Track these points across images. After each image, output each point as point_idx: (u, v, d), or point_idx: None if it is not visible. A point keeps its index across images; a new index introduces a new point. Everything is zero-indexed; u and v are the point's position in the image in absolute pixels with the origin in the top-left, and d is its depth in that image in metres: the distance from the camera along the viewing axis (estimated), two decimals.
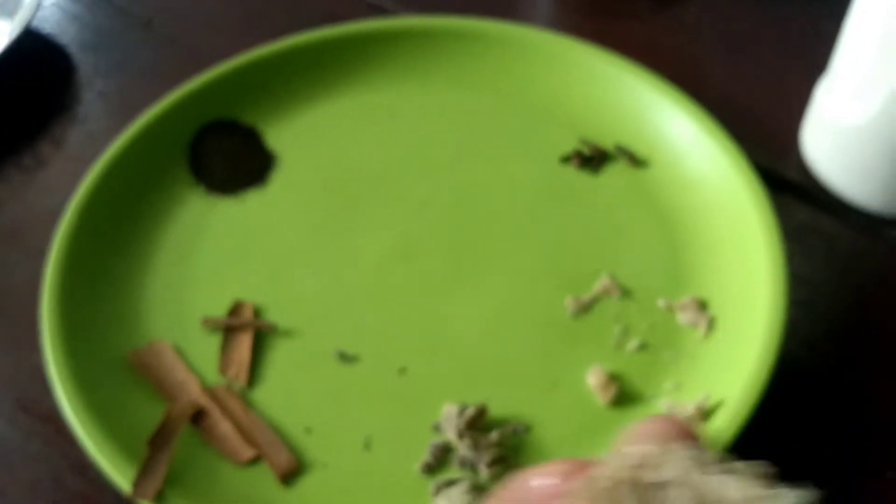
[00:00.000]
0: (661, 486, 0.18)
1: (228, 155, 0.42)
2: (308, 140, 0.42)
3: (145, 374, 0.33)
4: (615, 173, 0.39)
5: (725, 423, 0.29)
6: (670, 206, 0.37)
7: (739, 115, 0.40)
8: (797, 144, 0.41)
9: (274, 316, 0.35)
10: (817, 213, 0.39)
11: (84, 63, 0.50)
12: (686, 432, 0.21)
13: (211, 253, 0.38)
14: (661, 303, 0.34)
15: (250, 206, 0.39)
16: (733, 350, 0.31)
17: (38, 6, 0.49)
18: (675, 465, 0.18)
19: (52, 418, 0.33)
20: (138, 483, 0.29)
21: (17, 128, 0.46)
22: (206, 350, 0.34)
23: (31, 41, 0.50)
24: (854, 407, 0.32)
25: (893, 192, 0.37)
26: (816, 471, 0.30)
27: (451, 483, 0.29)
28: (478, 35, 0.43)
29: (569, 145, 0.40)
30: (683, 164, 0.38)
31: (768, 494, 0.18)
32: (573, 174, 0.39)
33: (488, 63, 0.43)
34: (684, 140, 0.38)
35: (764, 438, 0.30)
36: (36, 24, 0.51)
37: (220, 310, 0.35)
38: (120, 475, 0.29)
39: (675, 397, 0.31)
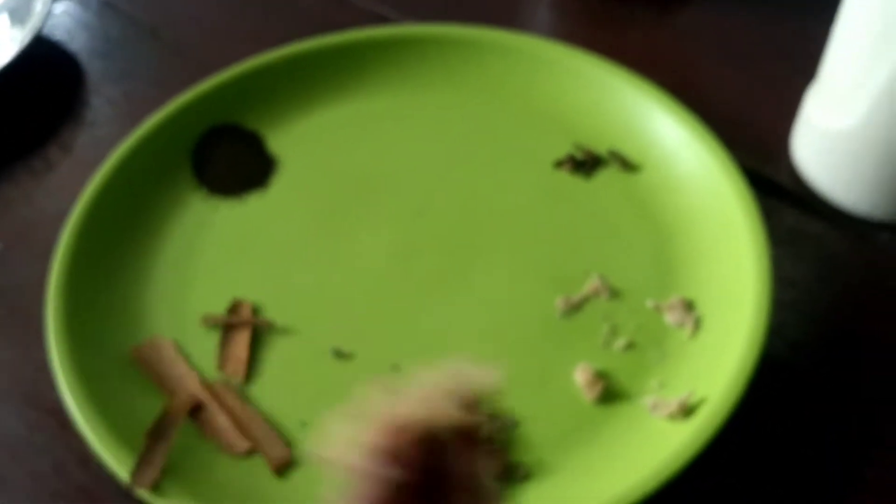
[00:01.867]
0: None
1: (231, 159, 0.43)
2: (309, 145, 0.43)
3: (146, 368, 0.34)
4: (607, 177, 0.40)
5: (707, 420, 0.29)
6: (661, 209, 0.38)
7: (732, 121, 0.40)
8: (788, 149, 0.42)
9: (272, 314, 0.36)
10: (806, 217, 0.39)
11: (92, 69, 0.51)
12: None
13: (212, 253, 0.38)
14: (649, 303, 0.35)
15: (251, 209, 0.40)
16: (718, 350, 0.32)
17: (49, 14, 0.50)
18: None
19: (57, 412, 0.34)
20: (136, 473, 0.30)
21: (27, 131, 0.47)
22: (205, 346, 0.35)
23: (41, 48, 0.51)
24: (837, 406, 0.33)
25: (880, 195, 0.38)
26: (799, 469, 0.31)
27: None
28: (475, 42, 0.44)
29: (562, 150, 0.41)
30: (674, 168, 0.39)
31: None
32: (566, 178, 0.40)
33: (485, 70, 0.44)
34: (675, 145, 0.39)
35: (749, 436, 0.31)
36: (46, 31, 0.53)
37: (219, 308, 0.36)
38: (119, 466, 0.30)
39: (659, 395, 0.32)
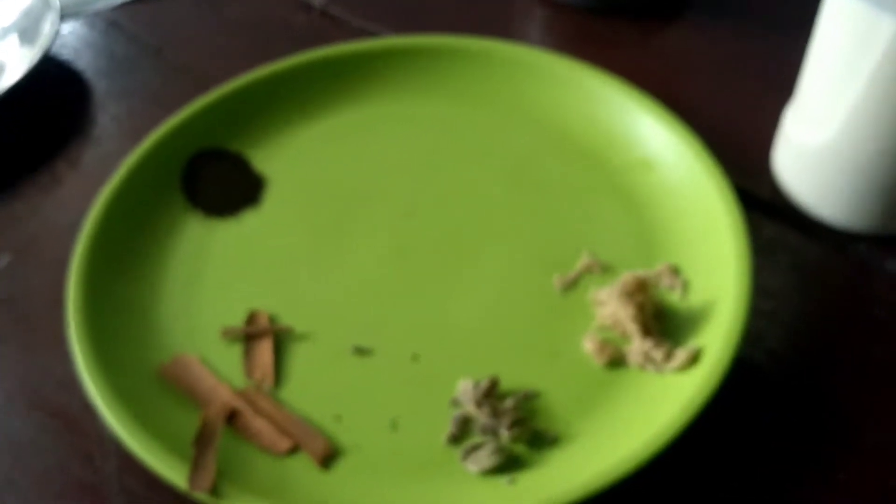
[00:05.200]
0: None
1: (219, 181, 0.44)
2: (296, 159, 0.45)
3: (177, 384, 0.35)
4: (594, 175, 0.42)
5: (713, 367, 0.32)
6: (643, 195, 0.41)
7: (717, 137, 0.42)
8: (769, 164, 0.44)
9: (288, 321, 0.37)
10: (785, 229, 0.41)
11: (98, 87, 0.52)
12: None
13: (218, 271, 0.40)
14: (639, 272, 0.37)
15: (249, 225, 0.42)
16: (710, 306, 0.35)
17: (57, 34, 0.52)
18: None
19: (61, 414, 0.35)
20: (193, 479, 0.30)
21: (36, 147, 0.48)
22: (228, 359, 0.36)
23: (50, 67, 0.53)
24: (812, 414, 0.34)
25: (855, 207, 0.39)
26: (772, 474, 0.32)
27: (476, 447, 0.31)
28: (453, 51, 0.47)
29: (547, 148, 0.44)
30: (663, 169, 0.41)
31: None
32: (553, 170, 0.43)
33: (463, 76, 0.47)
34: (662, 148, 0.41)
35: (724, 440, 0.33)
36: (54, 50, 0.54)
37: (235, 321, 0.37)
38: (174, 474, 0.31)
39: (664, 350, 0.34)
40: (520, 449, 0.32)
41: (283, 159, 0.45)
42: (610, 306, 0.35)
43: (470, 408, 0.33)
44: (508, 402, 0.32)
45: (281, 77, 0.46)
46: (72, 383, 0.35)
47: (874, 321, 0.37)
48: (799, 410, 0.34)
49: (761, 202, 0.42)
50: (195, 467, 0.31)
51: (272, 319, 0.37)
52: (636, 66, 0.49)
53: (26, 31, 0.52)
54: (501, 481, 0.31)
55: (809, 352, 0.36)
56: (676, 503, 0.32)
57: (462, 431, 0.32)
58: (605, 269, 0.38)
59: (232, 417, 0.33)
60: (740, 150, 0.44)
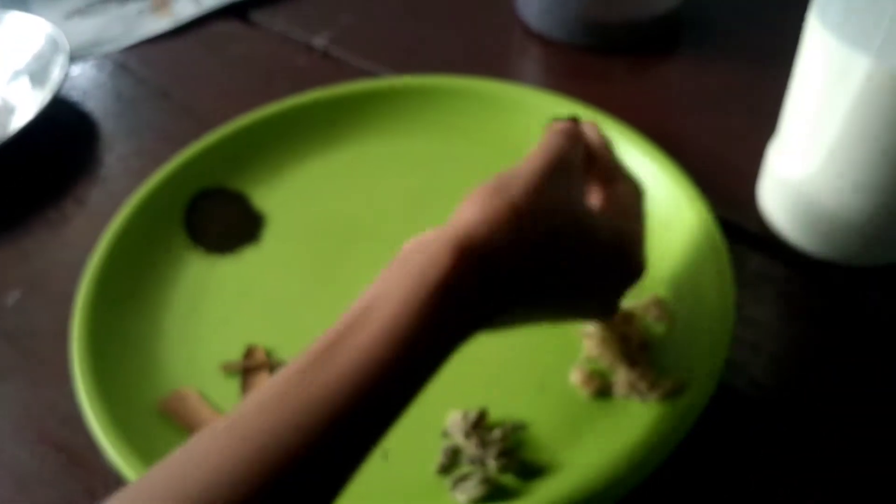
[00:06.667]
0: None
1: (220, 220, 0.45)
2: (294, 197, 0.46)
3: (175, 418, 0.36)
4: None
5: (697, 394, 0.33)
6: None
7: (705, 171, 0.43)
8: (755, 198, 0.45)
9: (284, 355, 0.38)
10: (769, 261, 0.42)
11: (106, 128, 0.54)
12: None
13: (218, 307, 0.41)
14: (627, 304, 0.38)
15: (248, 262, 0.43)
16: (693, 337, 0.36)
17: (67, 76, 0.54)
18: None
19: (66, 448, 0.37)
20: None
21: (45, 186, 0.50)
22: (226, 392, 0.37)
23: (59, 108, 0.54)
24: (792, 440, 0.35)
25: (836, 239, 0.40)
26: (751, 497, 0.33)
27: (465, 477, 0.32)
28: (447, 90, 0.49)
29: None
30: (648, 202, 0.41)
31: None
32: None
33: (457, 114, 0.48)
34: (650, 181, 0.42)
35: (707, 465, 0.34)
36: (64, 92, 0.56)
37: (233, 355, 0.38)
38: None
39: (650, 380, 0.35)
40: (507, 479, 0.32)
41: (282, 196, 0.46)
42: (598, 337, 0.36)
43: (459, 439, 0.33)
44: (496, 433, 0.33)
45: (281, 117, 0.48)
46: (76, 418, 0.36)
47: (855, 348, 0.38)
48: (779, 437, 0.35)
49: (748, 234, 0.43)
50: None
51: (269, 353, 0.38)
52: (628, 101, 0.51)
53: (36, 74, 0.54)
54: None
55: (791, 380, 0.37)
56: None
57: (451, 462, 0.33)
58: None
59: None
60: (727, 183, 0.45)
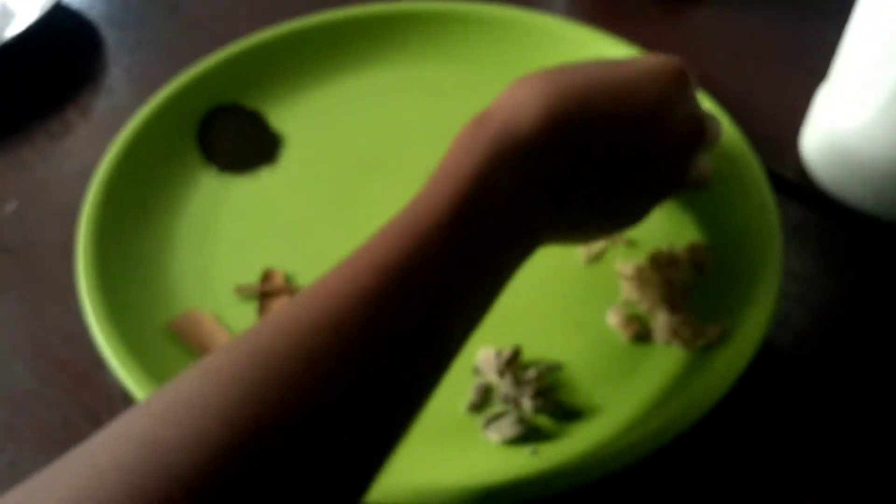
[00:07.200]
0: None
1: (235, 137, 0.43)
2: (312, 120, 0.44)
3: (187, 340, 0.34)
4: None
5: (742, 346, 0.31)
6: None
7: (742, 118, 0.41)
8: (796, 147, 0.43)
9: (303, 281, 0.36)
10: (812, 213, 0.40)
11: (110, 38, 0.51)
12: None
13: (233, 227, 0.39)
14: (664, 248, 0.36)
15: (264, 183, 0.41)
16: (738, 284, 0.34)
17: None
18: None
19: (67, 367, 0.34)
20: None
21: (47, 96, 0.47)
22: (242, 316, 0.35)
23: (61, 15, 0.51)
24: (836, 396, 0.33)
25: (884, 194, 0.39)
26: (794, 454, 0.31)
27: (499, 416, 0.31)
28: (477, 18, 0.46)
29: None
30: None
31: None
32: None
33: (486, 44, 0.46)
34: None
35: (749, 420, 0.32)
36: None
37: (248, 279, 0.36)
38: None
39: (691, 327, 0.33)
40: (542, 420, 0.31)
41: (300, 119, 0.44)
42: (639, 280, 0.34)
43: (491, 376, 0.32)
44: (531, 373, 0.32)
45: (302, 35, 0.45)
46: (79, 337, 0.34)
47: None
48: (823, 393, 0.33)
49: (787, 184, 0.41)
50: None
51: (288, 279, 0.36)
52: (661, 43, 0.48)
53: None
54: (524, 452, 0.30)
55: (834, 335, 0.35)
56: (693, 481, 0.31)
57: (483, 400, 0.32)
58: (630, 244, 0.37)
59: None
60: (766, 130, 0.43)
